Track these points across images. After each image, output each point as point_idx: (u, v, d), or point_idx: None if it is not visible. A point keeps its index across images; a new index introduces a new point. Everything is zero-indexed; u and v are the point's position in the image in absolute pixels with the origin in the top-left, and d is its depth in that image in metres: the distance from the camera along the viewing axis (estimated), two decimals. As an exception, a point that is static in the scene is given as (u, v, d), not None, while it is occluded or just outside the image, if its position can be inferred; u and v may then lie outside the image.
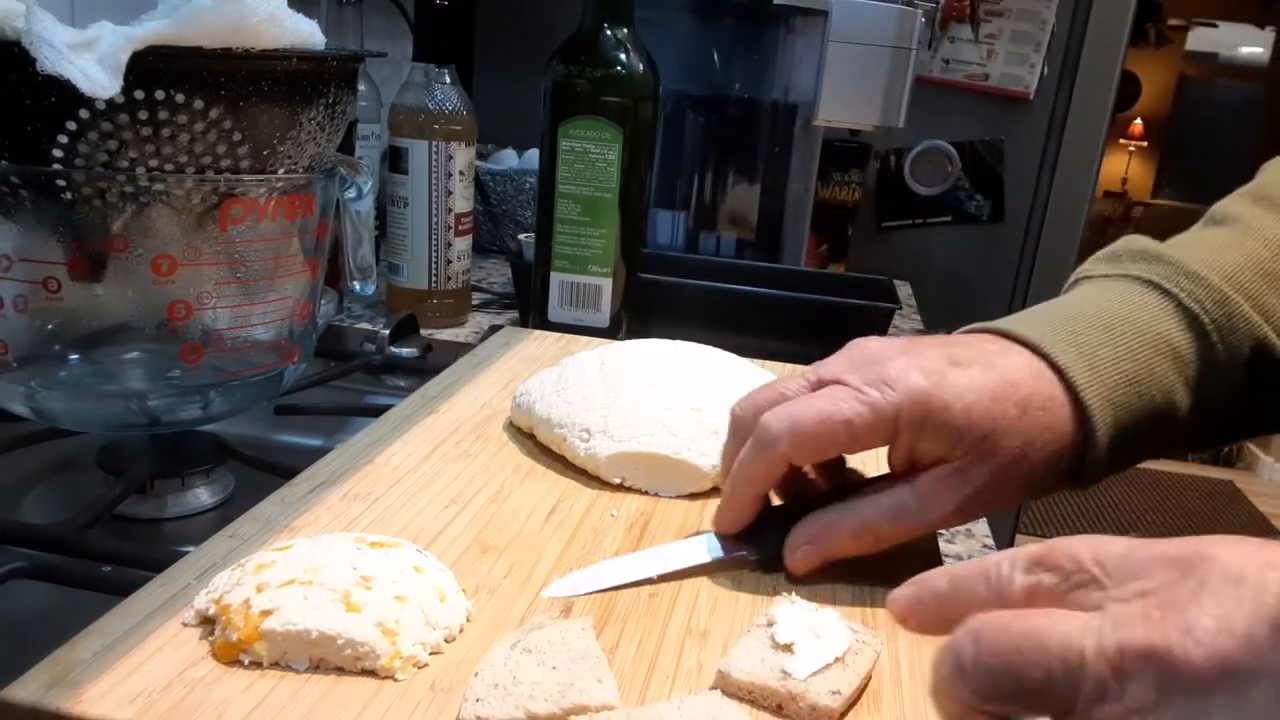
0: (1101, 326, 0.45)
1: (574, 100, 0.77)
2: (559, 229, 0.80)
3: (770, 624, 0.38)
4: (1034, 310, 0.48)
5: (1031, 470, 0.42)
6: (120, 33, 0.47)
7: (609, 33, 0.77)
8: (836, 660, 0.36)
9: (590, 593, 0.42)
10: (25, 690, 0.33)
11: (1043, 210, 1.64)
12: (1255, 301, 0.46)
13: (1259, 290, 0.46)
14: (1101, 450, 0.43)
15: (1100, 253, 0.52)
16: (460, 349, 0.82)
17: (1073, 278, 0.52)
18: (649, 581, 0.43)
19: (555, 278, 0.81)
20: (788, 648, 0.37)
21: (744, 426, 0.45)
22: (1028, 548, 0.29)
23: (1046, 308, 0.48)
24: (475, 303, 1.00)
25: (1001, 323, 0.46)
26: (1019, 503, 0.45)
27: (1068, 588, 0.27)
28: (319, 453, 0.54)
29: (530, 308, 0.83)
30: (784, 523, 0.46)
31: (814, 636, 0.37)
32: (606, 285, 0.80)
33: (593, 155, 0.77)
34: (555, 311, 0.81)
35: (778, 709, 0.35)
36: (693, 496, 0.52)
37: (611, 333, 0.81)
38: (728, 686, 0.36)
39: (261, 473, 0.60)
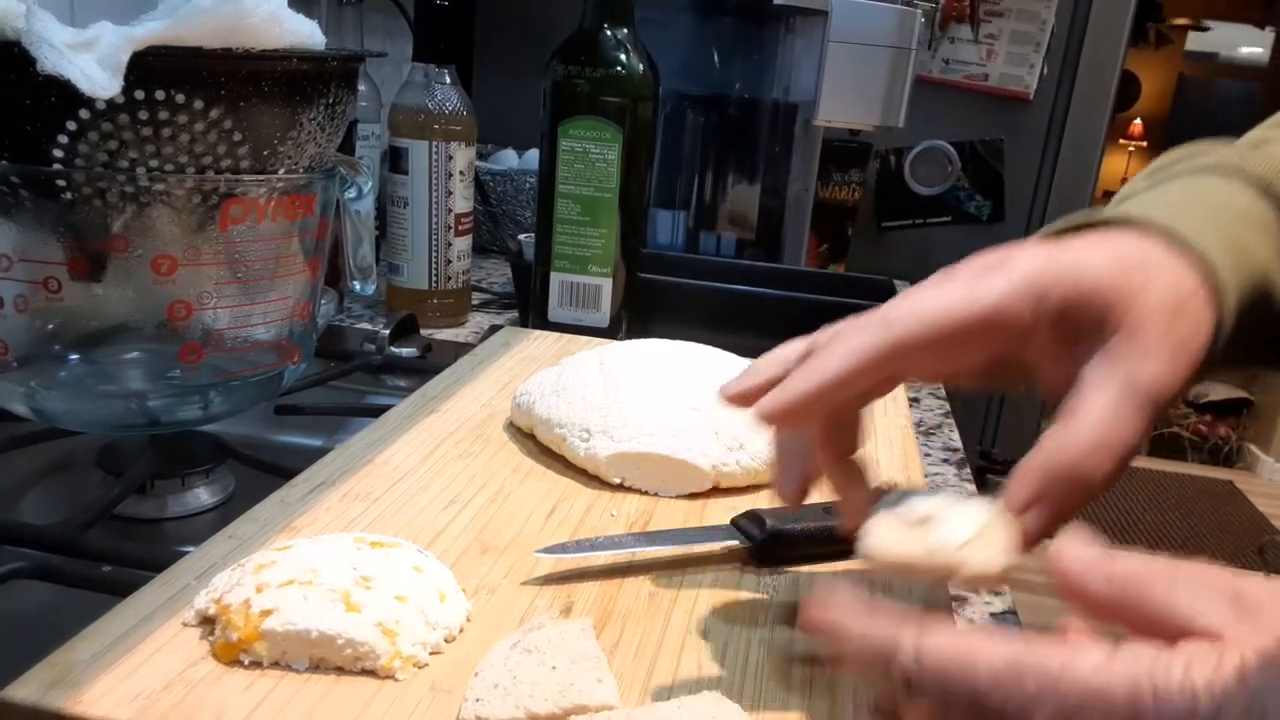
0: (1186, 206, 0.39)
1: (574, 100, 0.77)
2: (559, 229, 0.79)
3: (893, 506, 0.35)
4: (1099, 210, 0.41)
5: (1180, 344, 0.35)
6: (120, 33, 0.47)
7: (609, 33, 0.77)
8: (983, 527, 0.33)
9: (578, 555, 0.44)
10: (25, 690, 0.33)
11: (1043, 210, 1.64)
12: None
13: None
14: (1230, 310, 0.37)
15: (1126, 186, 0.46)
16: (460, 349, 0.82)
17: (1115, 201, 0.44)
18: (630, 555, 0.45)
19: (555, 278, 0.81)
20: (926, 521, 0.34)
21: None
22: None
23: (1112, 209, 0.41)
24: (475, 303, 1.00)
25: (1075, 217, 0.40)
26: (1181, 393, 0.37)
27: None
28: (319, 453, 0.54)
29: (530, 308, 0.83)
30: (777, 516, 0.46)
31: (948, 509, 0.34)
32: (606, 285, 0.80)
33: (592, 155, 0.77)
34: (555, 311, 0.81)
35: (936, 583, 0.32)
36: (693, 496, 0.52)
37: (611, 333, 0.81)
38: (876, 567, 0.33)
39: (261, 473, 0.60)
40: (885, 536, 0.34)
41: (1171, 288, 0.36)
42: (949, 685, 0.27)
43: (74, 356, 0.58)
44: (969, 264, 0.36)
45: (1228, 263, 0.37)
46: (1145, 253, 0.36)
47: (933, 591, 0.44)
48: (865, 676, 0.30)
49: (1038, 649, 0.26)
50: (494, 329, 0.85)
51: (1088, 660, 0.25)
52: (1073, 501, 0.34)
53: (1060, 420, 0.34)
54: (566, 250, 0.80)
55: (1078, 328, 0.35)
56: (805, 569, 0.46)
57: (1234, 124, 0.53)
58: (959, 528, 0.33)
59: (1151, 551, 0.29)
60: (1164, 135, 5.31)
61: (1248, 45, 5.12)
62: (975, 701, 0.26)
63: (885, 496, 0.37)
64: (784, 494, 0.40)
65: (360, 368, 0.79)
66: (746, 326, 0.80)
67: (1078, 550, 0.29)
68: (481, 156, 1.27)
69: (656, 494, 0.52)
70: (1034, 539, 0.34)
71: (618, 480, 0.53)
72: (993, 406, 1.70)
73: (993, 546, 0.32)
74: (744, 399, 0.38)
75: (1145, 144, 5.33)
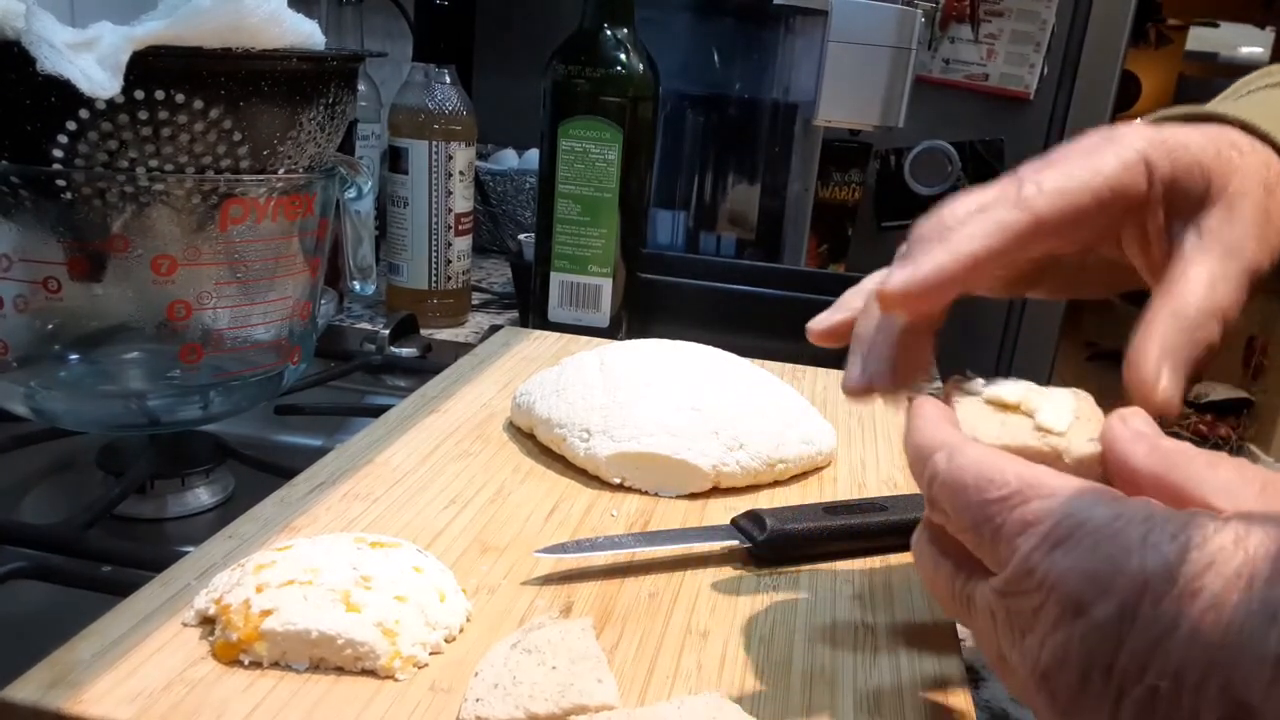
0: (1265, 109, 0.40)
1: (574, 100, 0.77)
2: (559, 229, 0.79)
3: (968, 395, 0.35)
4: (1187, 107, 0.42)
5: (1271, 219, 0.36)
6: (120, 33, 0.47)
7: (609, 33, 0.77)
8: (1077, 411, 0.33)
9: (578, 555, 0.44)
10: (25, 690, 0.33)
11: (1043, 210, 1.64)
12: None
13: None
14: None
15: (1231, 87, 0.47)
16: (460, 349, 0.82)
17: (1221, 97, 0.46)
18: (630, 555, 0.45)
19: (555, 278, 0.81)
20: (1016, 408, 0.33)
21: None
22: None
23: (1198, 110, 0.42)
24: (475, 303, 1.00)
25: (1164, 112, 0.41)
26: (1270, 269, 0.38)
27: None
28: (319, 453, 0.54)
29: (530, 308, 0.83)
30: (777, 515, 0.46)
31: (1038, 395, 0.34)
32: (606, 285, 0.80)
33: (592, 155, 0.77)
34: (555, 311, 0.81)
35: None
36: (693, 496, 0.52)
37: (611, 333, 0.81)
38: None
39: (261, 473, 0.60)
40: (983, 425, 0.33)
41: (1262, 166, 0.37)
42: (962, 492, 0.28)
43: (74, 356, 0.58)
44: (1075, 144, 0.36)
45: None
46: (1234, 138, 0.37)
47: None
48: (913, 476, 0.31)
49: (1049, 479, 0.27)
50: (494, 329, 0.85)
51: (1098, 498, 0.26)
52: (1193, 366, 0.33)
53: (1164, 292, 0.35)
54: (566, 250, 0.80)
55: (1182, 201, 0.35)
56: (805, 569, 0.46)
57: (1234, 124, 0.53)
58: (1059, 412, 0.33)
59: None
60: (1164, 135, 5.30)
61: (1248, 45, 5.11)
62: (980, 515, 0.28)
63: (958, 382, 0.36)
64: (862, 381, 0.37)
65: (360, 368, 0.79)
66: (746, 326, 0.80)
67: (1130, 422, 0.30)
68: (481, 156, 1.27)
69: (656, 494, 0.52)
70: (1168, 404, 0.33)
71: (618, 480, 0.52)
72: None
73: (1092, 430, 0.32)
74: (834, 335, 0.38)
75: (1145, 144, 5.32)
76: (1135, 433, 0.29)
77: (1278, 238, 0.36)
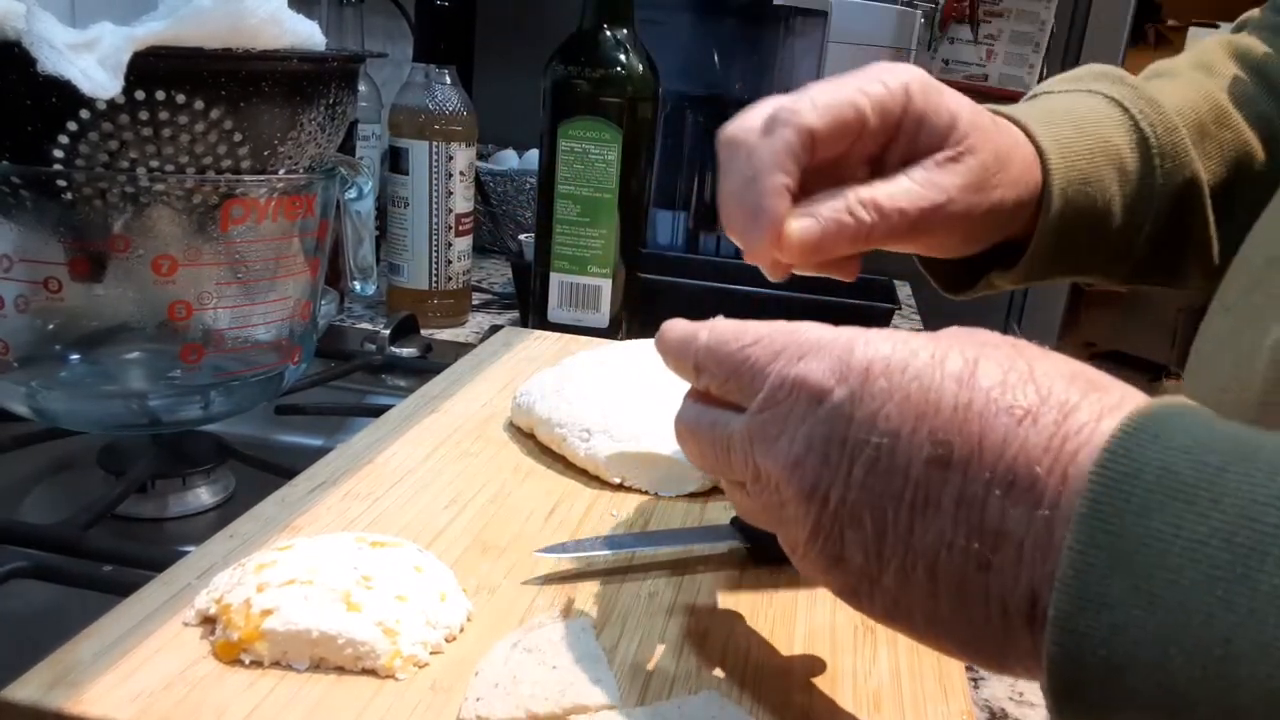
0: (1070, 123, 0.49)
1: (573, 100, 0.77)
2: (558, 229, 0.80)
3: None
4: (1006, 106, 0.50)
5: (1003, 198, 0.44)
6: (121, 33, 0.47)
7: (609, 33, 0.77)
8: None
9: (578, 555, 0.44)
10: (26, 690, 0.33)
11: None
12: (1194, 142, 0.51)
13: (1197, 136, 0.51)
14: (1053, 215, 0.47)
15: (1060, 75, 0.55)
16: (460, 349, 0.82)
17: (1030, 94, 0.55)
18: (630, 555, 0.45)
19: (555, 278, 0.81)
20: None
21: (740, 142, 0.41)
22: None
23: (1018, 105, 0.51)
24: (475, 303, 1.00)
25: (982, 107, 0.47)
26: (974, 247, 0.47)
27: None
28: (319, 452, 0.54)
29: (530, 308, 0.83)
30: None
31: None
32: (606, 286, 0.80)
33: (592, 155, 0.77)
34: (555, 312, 0.81)
35: None
36: (693, 496, 0.52)
37: (611, 333, 0.81)
38: None
39: (262, 472, 0.60)
40: None
41: (1011, 140, 0.46)
42: (723, 344, 0.33)
43: (75, 356, 0.58)
44: (861, 70, 0.42)
45: (1071, 180, 0.47)
46: (1001, 120, 0.47)
47: None
48: (676, 369, 0.36)
49: (794, 324, 0.32)
50: (494, 329, 0.85)
51: (831, 329, 0.31)
52: (839, 240, 0.40)
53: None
54: (566, 250, 0.80)
55: (925, 135, 0.42)
56: (805, 569, 0.46)
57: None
58: None
59: None
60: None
61: (1248, 45, 5.11)
62: (739, 357, 0.32)
63: None
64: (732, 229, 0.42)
65: (361, 368, 0.79)
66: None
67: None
68: (482, 157, 1.27)
69: (656, 494, 0.52)
70: (791, 243, 0.40)
71: (618, 480, 0.53)
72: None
73: None
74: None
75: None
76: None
77: (988, 203, 0.43)
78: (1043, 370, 0.28)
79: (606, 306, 0.81)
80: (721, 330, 0.34)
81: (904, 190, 0.41)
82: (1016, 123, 0.47)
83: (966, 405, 0.27)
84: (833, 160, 0.42)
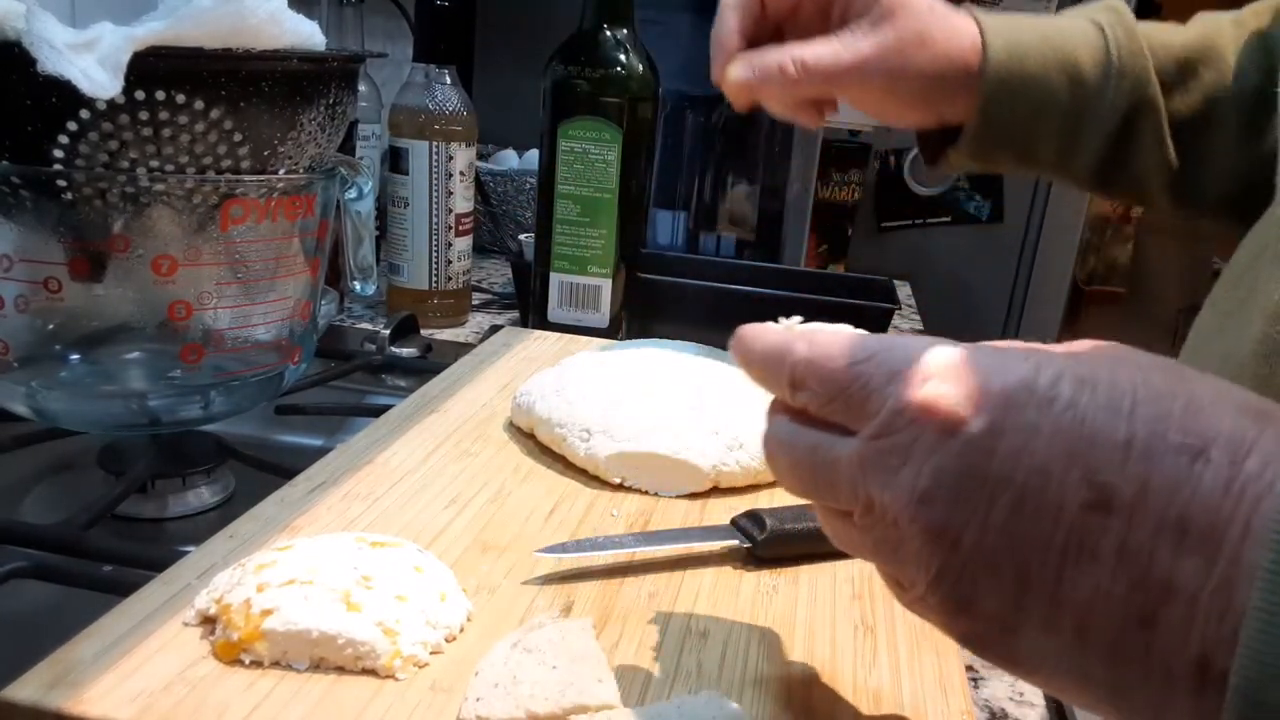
0: (1036, 31, 0.55)
1: (573, 100, 0.77)
2: (558, 229, 0.80)
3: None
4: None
5: (929, 64, 0.52)
6: (121, 33, 0.47)
7: (609, 33, 0.77)
8: None
9: (578, 555, 0.44)
10: (26, 690, 0.33)
11: (1042, 210, 1.64)
12: (1161, 72, 0.55)
13: (1176, 69, 0.55)
14: (985, 99, 0.53)
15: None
16: (460, 349, 0.82)
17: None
18: (630, 555, 0.45)
19: (555, 278, 0.81)
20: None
21: None
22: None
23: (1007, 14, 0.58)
24: (475, 303, 1.00)
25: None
26: (918, 115, 0.56)
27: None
28: (319, 452, 0.54)
29: (530, 308, 0.83)
30: (777, 515, 0.46)
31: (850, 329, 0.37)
32: (606, 286, 0.80)
33: (592, 155, 0.77)
34: (555, 312, 0.81)
35: None
36: (693, 496, 0.53)
37: (611, 333, 0.81)
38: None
39: (262, 472, 0.60)
40: None
41: (946, 25, 0.53)
42: (829, 361, 0.30)
43: (75, 356, 0.58)
44: None
45: (1008, 52, 0.54)
46: (947, 11, 0.54)
47: None
48: (764, 381, 0.33)
49: (910, 338, 0.30)
50: (494, 329, 0.85)
51: (954, 348, 0.28)
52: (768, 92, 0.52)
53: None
54: (566, 250, 0.80)
55: (857, 3, 0.52)
56: (805, 569, 0.46)
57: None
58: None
59: None
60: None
61: (1248, 45, 5.10)
62: (848, 376, 0.29)
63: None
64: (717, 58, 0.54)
65: (361, 368, 0.79)
66: (746, 326, 0.80)
67: None
68: (482, 157, 1.27)
69: (656, 494, 0.52)
70: (732, 83, 0.52)
71: (618, 480, 0.53)
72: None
73: None
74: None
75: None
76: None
77: (910, 70, 0.52)
78: (1208, 399, 0.25)
79: (606, 306, 0.81)
80: (825, 344, 0.30)
81: (829, 51, 0.51)
82: (975, 19, 0.55)
83: (1128, 443, 0.24)
84: (791, 15, 0.53)
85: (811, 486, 0.31)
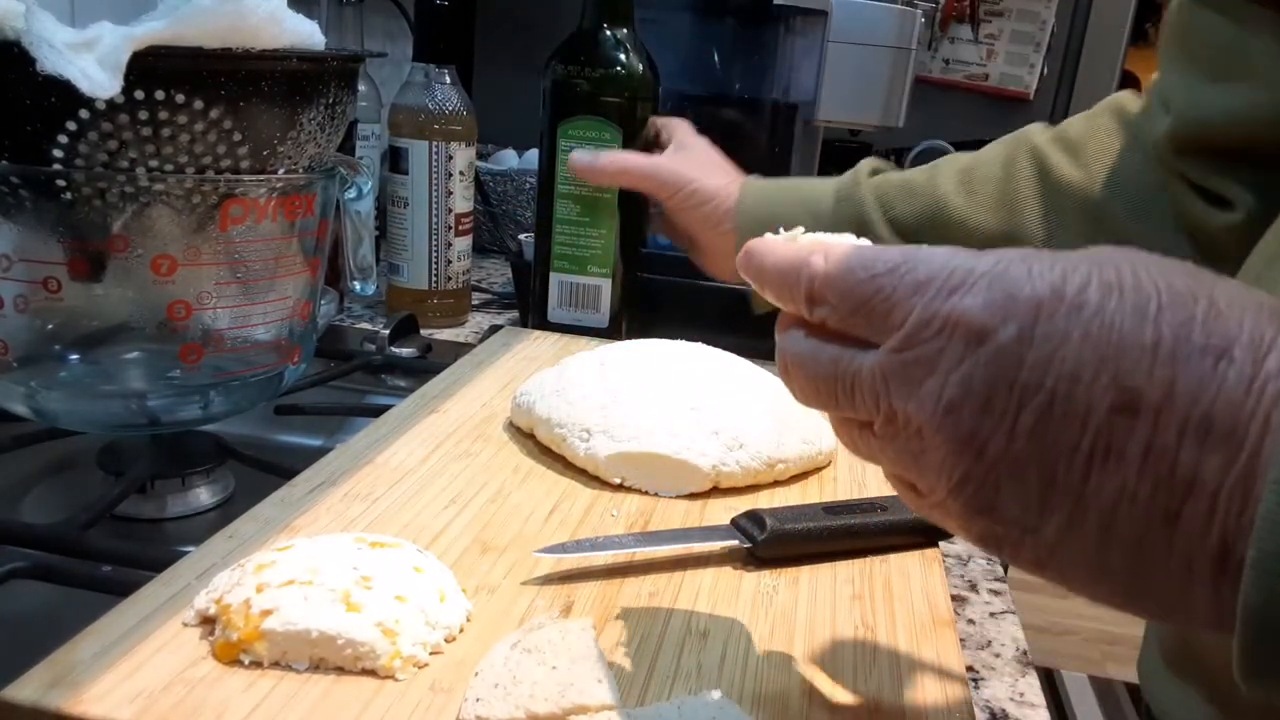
0: (785, 182, 0.75)
1: (573, 100, 0.77)
2: (558, 229, 0.79)
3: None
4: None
5: (698, 188, 0.74)
6: (120, 33, 0.47)
7: (608, 33, 0.76)
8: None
9: (578, 555, 0.44)
10: (25, 690, 0.33)
11: (1042, 210, 1.64)
12: (882, 194, 0.69)
13: (894, 196, 0.69)
14: (743, 230, 0.71)
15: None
16: (460, 349, 0.82)
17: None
18: (630, 555, 0.45)
19: (555, 278, 0.80)
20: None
21: None
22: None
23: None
24: (475, 303, 1.00)
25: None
26: (704, 245, 0.77)
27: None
28: (319, 453, 0.54)
29: (530, 308, 0.83)
30: (777, 515, 0.46)
31: (847, 238, 0.36)
32: (606, 286, 0.80)
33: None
34: (555, 312, 0.81)
35: None
36: (693, 496, 0.52)
37: (612, 333, 0.81)
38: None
39: (262, 473, 0.60)
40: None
41: (721, 180, 0.74)
42: (849, 274, 0.29)
43: (74, 356, 0.58)
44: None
45: (759, 185, 0.74)
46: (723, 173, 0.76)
47: None
48: (778, 297, 0.32)
49: (930, 248, 0.29)
50: (494, 329, 0.85)
51: (976, 254, 0.28)
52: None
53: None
54: (566, 250, 0.80)
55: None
56: (805, 569, 0.46)
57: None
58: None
59: None
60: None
61: (1248, 45, 5.10)
62: (870, 288, 0.29)
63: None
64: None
65: (360, 368, 0.79)
66: (746, 326, 0.80)
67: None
68: (482, 156, 1.27)
69: (656, 494, 0.52)
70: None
71: (618, 480, 0.53)
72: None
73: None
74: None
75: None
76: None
77: (700, 215, 0.74)
78: (1226, 299, 0.25)
79: (606, 306, 0.81)
80: (845, 257, 0.30)
81: (636, 156, 0.76)
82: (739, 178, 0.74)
83: (1155, 345, 0.25)
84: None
85: (831, 399, 0.31)
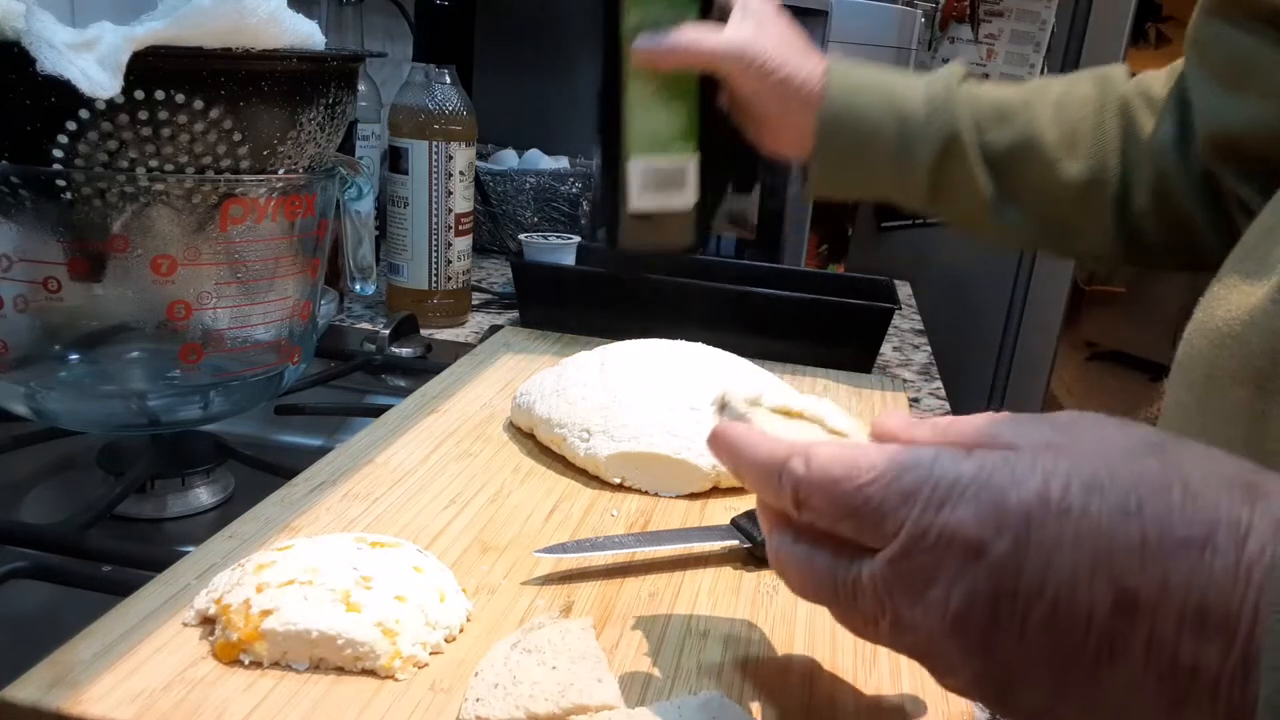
0: (869, 78, 0.66)
1: None
2: (635, 114, 0.68)
3: (753, 407, 0.38)
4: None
5: (783, 71, 0.64)
6: (120, 33, 0.47)
7: None
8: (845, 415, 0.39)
9: (578, 555, 0.44)
10: (26, 690, 0.33)
11: (1043, 210, 1.64)
12: (979, 116, 0.65)
13: (994, 114, 0.65)
14: (822, 128, 0.65)
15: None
16: (460, 349, 0.82)
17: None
18: (630, 555, 0.45)
19: (636, 164, 0.69)
20: (801, 415, 0.38)
21: None
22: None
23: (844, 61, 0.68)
24: (475, 303, 1.00)
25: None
26: (772, 126, 0.68)
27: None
28: (319, 453, 0.54)
29: (599, 215, 0.70)
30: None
31: (809, 401, 0.39)
32: (692, 163, 0.70)
33: (668, 26, 0.67)
34: (639, 201, 0.69)
35: None
36: (692, 496, 0.52)
37: (696, 226, 0.71)
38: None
39: (262, 473, 0.60)
40: (782, 431, 0.36)
41: (805, 64, 0.66)
42: (834, 485, 0.30)
43: (74, 356, 0.58)
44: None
45: (841, 89, 0.65)
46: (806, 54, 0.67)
47: None
48: (760, 492, 0.33)
49: (911, 453, 0.29)
50: (494, 329, 0.85)
51: (955, 458, 0.29)
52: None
53: None
54: (645, 131, 0.69)
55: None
56: (805, 569, 0.46)
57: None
58: (838, 416, 0.38)
59: None
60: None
61: (1248, 45, 5.10)
62: (859, 499, 0.29)
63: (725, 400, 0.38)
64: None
65: (360, 368, 0.79)
66: (746, 326, 0.80)
67: (891, 415, 0.35)
68: (481, 157, 1.27)
69: (656, 494, 0.52)
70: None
71: (618, 480, 0.53)
72: (993, 403, 1.70)
73: (862, 430, 0.37)
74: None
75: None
76: (902, 419, 0.34)
77: (792, 80, 0.65)
78: (1200, 480, 0.26)
79: (693, 185, 0.70)
80: (827, 465, 0.30)
81: (716, 36, 0.64)
82: (825, 58, 0.66)
83: (1142, 543, 0.26)
84: None
85: (832, 602, 0.32)
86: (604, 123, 0.70)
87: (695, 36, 0.64)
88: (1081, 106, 0.66)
